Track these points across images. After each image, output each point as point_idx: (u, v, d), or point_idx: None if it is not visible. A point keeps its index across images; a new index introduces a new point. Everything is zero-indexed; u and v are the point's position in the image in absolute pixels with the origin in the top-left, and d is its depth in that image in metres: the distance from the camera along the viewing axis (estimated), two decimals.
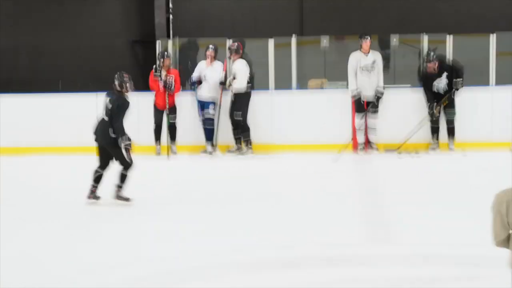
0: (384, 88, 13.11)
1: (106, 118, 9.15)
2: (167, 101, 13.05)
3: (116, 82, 9.19)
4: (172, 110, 13.19)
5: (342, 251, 7.36)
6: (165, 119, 13.20)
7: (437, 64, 12.92)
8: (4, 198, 10.13)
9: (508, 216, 4.42)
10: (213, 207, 9.39)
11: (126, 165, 9.18)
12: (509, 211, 4.42)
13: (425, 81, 13.04)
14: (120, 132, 9.02)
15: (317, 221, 8.60)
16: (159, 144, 13.32)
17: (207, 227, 8.43)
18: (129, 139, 9.06)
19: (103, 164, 9.34)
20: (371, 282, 6.45)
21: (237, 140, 13.17)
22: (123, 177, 9.22)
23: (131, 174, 9.24)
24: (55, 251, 7.58)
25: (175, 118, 13.25)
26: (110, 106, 9.12)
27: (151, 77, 13.19)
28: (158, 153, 13.28)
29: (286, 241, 7.81)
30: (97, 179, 9.35)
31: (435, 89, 12.97)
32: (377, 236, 8.09)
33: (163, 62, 13.20)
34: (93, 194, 9.39)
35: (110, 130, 9.06)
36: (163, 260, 7.18)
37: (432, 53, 13.02)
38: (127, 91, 9.23)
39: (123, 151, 9.10)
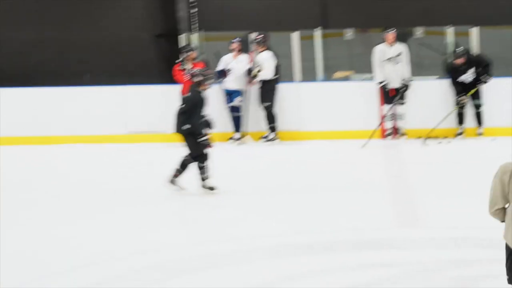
0: (411, 79, 13.08)
1: (181, 109, 9.36)
2: None
3: (196, 78, 9.45)
4: None
5: (372, 235, 7.41)
6: None
7: (465, 60, 12.87)
8: (28, 185, 10.28)
9: (510, 186, 4.59)
10: (241, 195, 9.45)
11: (198, 156, 9.38)
12: (511, 181, 4.57)
13: (452, 74, 12.99)
14: (197, 128, 9.28)
15: (346, 207, 8.65)
16: None
17: (236, 215, 8.49)
18: (206, 135, 9.35)
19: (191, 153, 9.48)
20: (402, 265, 6.49)
21: (269, 127, 13.21)
22: (201, 168, 9.42)
23: (207, 164, 9.44)
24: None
25: None
26: (185, 99, 9.48)
27: (175, 69, 13.19)
28: None
29: (315, 227, 7.86)
30: (183, 165, 9.46)
31: (461, 80, 12.93)
32: (406, 221, 8.12)
33: (188, 55, 13.23)
34: (174, 179, 9.46)
35: (184, 121, 9.30)
36: (191, 246, 7.25)
37: (460, 49, 12.95)
38: (204, 88, 9.45)
39: (200, 145, 9.34)
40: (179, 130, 9.41)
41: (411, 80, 13.09)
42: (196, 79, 9.46)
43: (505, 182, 4.60)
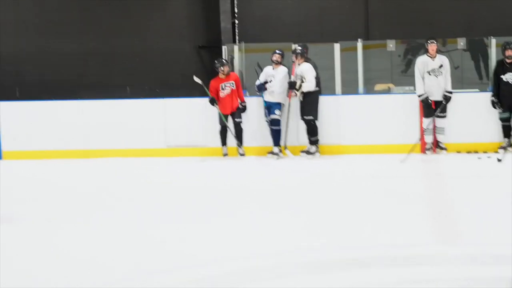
0: (452, 92, 12.98)
1: None
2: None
3: None
4: (237, 113, 13.24)
5: (409, 251, 7.34)
6: (230, 122, 13.26)
7: None
8: (72, 198, 10.33)
9: None
10: (278, 208, 9.42)
11: None
12: None
13: (500, 68, 12.90)
14: None
15: (384, 222, 8.59)
16: (226, 146, 13.38)
17: (273, 229, 8.46)
18: None
19: None
20: (439, 282, 6.42)
21: (310, 141, 13.18)
22: None
23: None
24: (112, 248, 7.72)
25: (240, 119, 13.30)
26: None
27: (211, 85, 13.26)
28: (225, 155, 13.35)
29: (353, 242, 7.83)
30: None
31: (505, 79, 12.82)
32: (445, 237, 8.04)
33: (222, 70, 13.29)
34: None
35: None
36: (229, 261, 7.24)
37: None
38: None
39: None
40: None
41: (453, 93, 13.00)
42: None
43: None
